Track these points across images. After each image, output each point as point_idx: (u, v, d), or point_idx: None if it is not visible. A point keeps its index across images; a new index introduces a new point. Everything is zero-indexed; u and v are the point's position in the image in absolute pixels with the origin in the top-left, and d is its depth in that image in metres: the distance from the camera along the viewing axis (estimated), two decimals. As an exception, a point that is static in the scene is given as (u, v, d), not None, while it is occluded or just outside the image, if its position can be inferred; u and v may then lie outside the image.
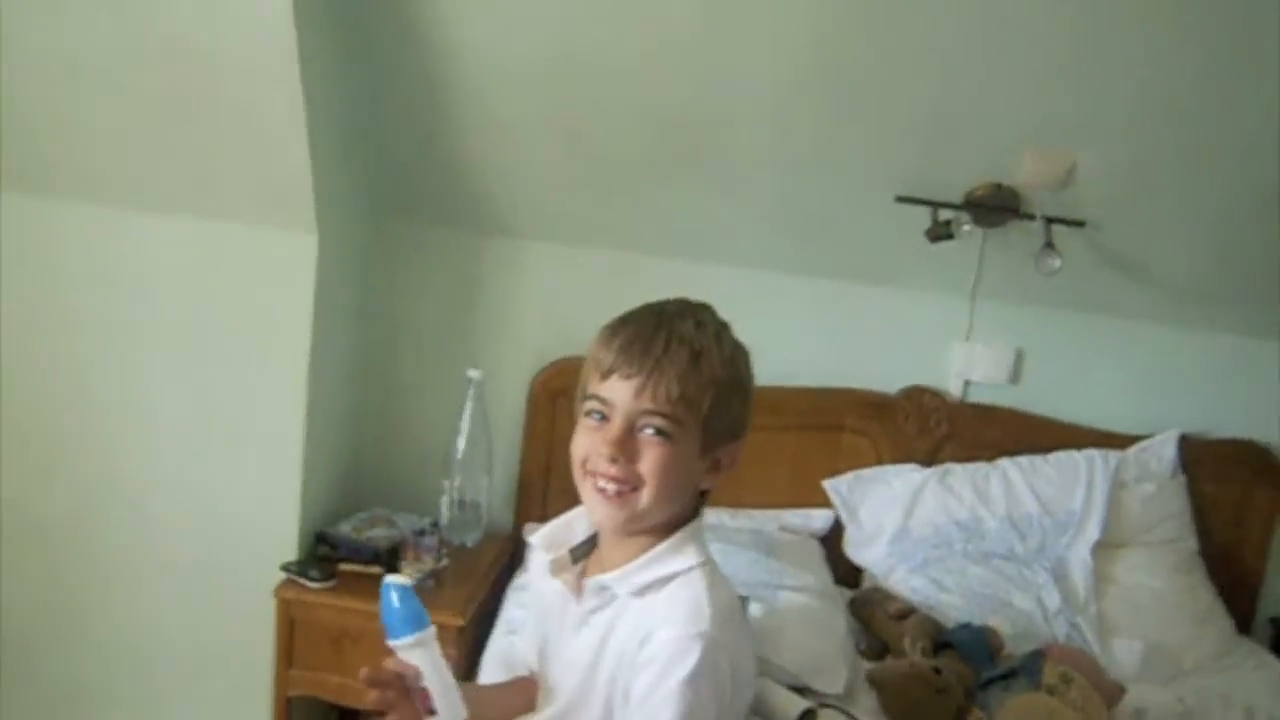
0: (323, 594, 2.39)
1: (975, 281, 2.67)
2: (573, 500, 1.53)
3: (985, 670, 2.16)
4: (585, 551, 1.55)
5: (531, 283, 2.80)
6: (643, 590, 1.41)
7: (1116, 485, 2.62)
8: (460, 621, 2.33)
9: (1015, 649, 2.27)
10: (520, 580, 2.52)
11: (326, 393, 2.55)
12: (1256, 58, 2.11)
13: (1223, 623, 2.59)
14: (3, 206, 2.46)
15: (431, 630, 1.40)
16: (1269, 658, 2.56)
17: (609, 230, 2.73)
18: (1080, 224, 2.48)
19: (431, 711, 1.40)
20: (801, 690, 2.08)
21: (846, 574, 2.66)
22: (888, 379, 2.77)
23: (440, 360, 2.80)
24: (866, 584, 2.64)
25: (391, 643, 1.40)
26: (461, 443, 2.61)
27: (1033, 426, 2.75)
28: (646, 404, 1.38)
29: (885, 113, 2.35)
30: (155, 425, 2.54)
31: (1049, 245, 2.47)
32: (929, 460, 2.73)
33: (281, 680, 2.45)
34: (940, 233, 2.46)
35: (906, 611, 2.37)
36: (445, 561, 2.48)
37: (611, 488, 1.39)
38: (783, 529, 2.65)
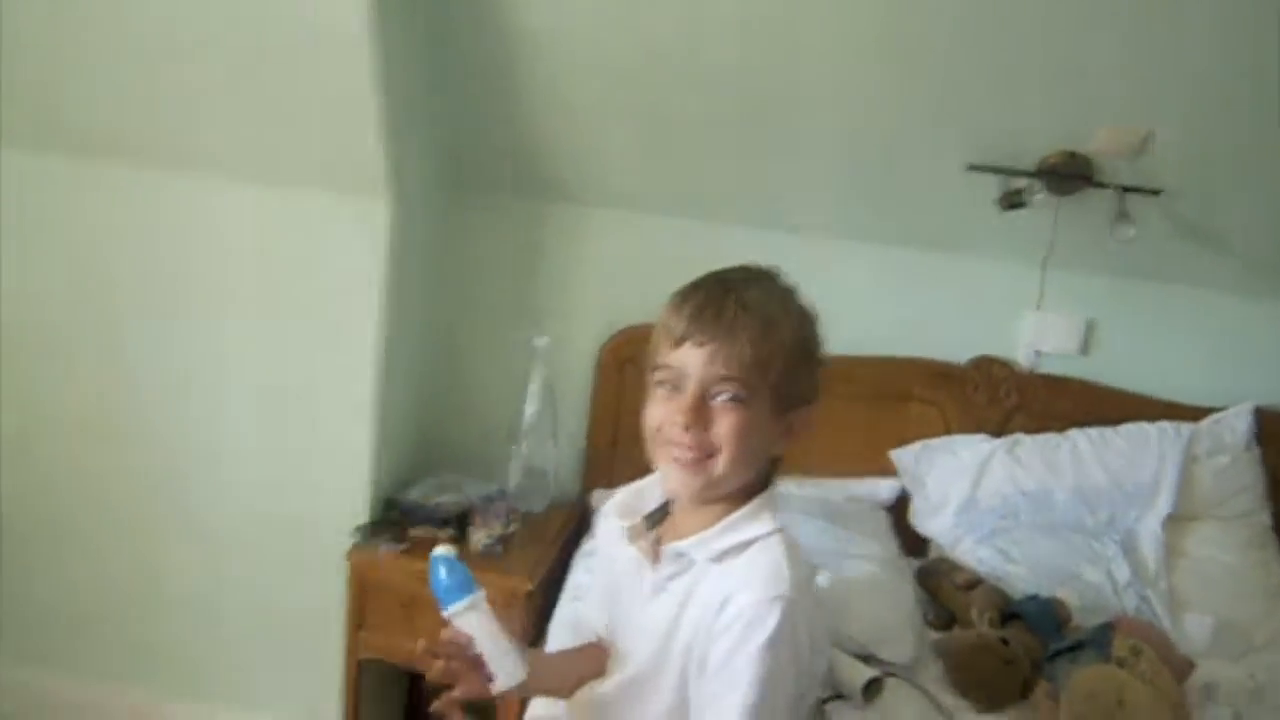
0: (394, 558, 2.41)
1: (1047, 250, 2.63)
2: (639, 468, 1.54)
3: (1053, 642, 2.15)
4: (658, 519, 1.55)
5: (598, 251, 2.81)
6: (721, 556, 1.41)
7: (1189, 458, 2.59)
8: (529, 586, 2.36)
9: (1083, 621, 2.25)
10: (588, 546, 2.54)
11: (397, 358, 2.58)
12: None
13: (1295, 599, 2.55)
14: (94, 176, 2.51)
15: (480, 595, 1.42)
16: (1342, 634, 2.52)
17: (675, 198, 2.73)
18: (1156, 192, 2.44)
19: (492, 677, 1.42)
20: (867, 659, 2.09)
21: (913, 544, 2.65)
22: (957, 348, 2.75)
23: (507, 328, 2.82)
24: (933, 554, 2.63)
25: (444, 613, 1.42)
26: (529, 410, 2.63)
27: (1103, 398, 2.72)
28: (720, 370, 1.38)
29: (957, 79, 2.32)
30: (232, 391, 2.59)
31: (1123, 214, 2.43)
32: (998, 431, 2.71)
33: (352, 643, 2.50)
34: (1013, 201, 2.43)
35: (974, 582, 2.36)
36: (514, 527, 2.51)
37: (687, 456, 1.39)
38: (849, 498, 2.65)
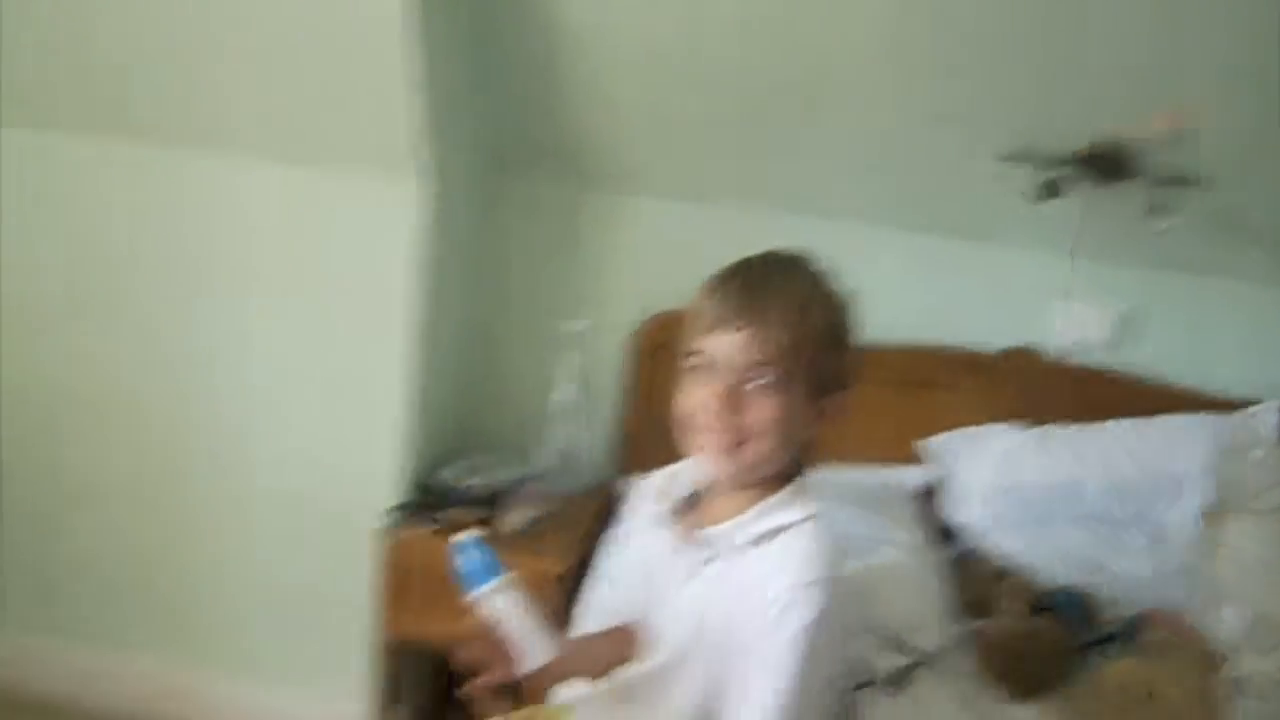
0: (425, 538, 2.42)
1: (1079, 241, 2.61)
2: (671, 454, 1.54)
3: (1083, 633, 2.15)
4: (692, 504, 1.56)
5: (631, 237, 2.82)
6: (756, 540, 1.42)
7: (1222, 451, 2.57)
8: (560, 569, 2.37)
9: (1114, 613, 2.25)
10: (620, 530, 2.54)
11: (431, 340, 2.59)
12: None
13: (1330, 594, 2.54)
14: (120, 156, 2.54)
15: (508, 577, 1.44)
16: (1376, 631, 2.50)
17: (709, 184, 2.73)
18: (1191, 183, 2.42)
19: (520, 658, 1.44)
20: (898, 646, 2.09)
21: (941, 533, 2.64)
22: (988, 338, 2.74)
23: (541, 312, 2.84)
24: (962, 544, 2.63)
25: (470, 595, 1.44)
26: (562, 394, 2.65)
27: (1135, 390, 2.71)
28: (754, 356, 1.38)
29: (991, 68, 2.31)
30: (265, 371, 2.61)
31: (1158, 205, 2.42)
32: (1028, 421, 2.69)
33: (382, 624, 2.51)
34: (1050, 191, 2.42)
35: (1003, 572, 2.36)
36: (545, 510, 2.52)
37: (721, 441, 1.40)
38: (879, 486, 2.64)
